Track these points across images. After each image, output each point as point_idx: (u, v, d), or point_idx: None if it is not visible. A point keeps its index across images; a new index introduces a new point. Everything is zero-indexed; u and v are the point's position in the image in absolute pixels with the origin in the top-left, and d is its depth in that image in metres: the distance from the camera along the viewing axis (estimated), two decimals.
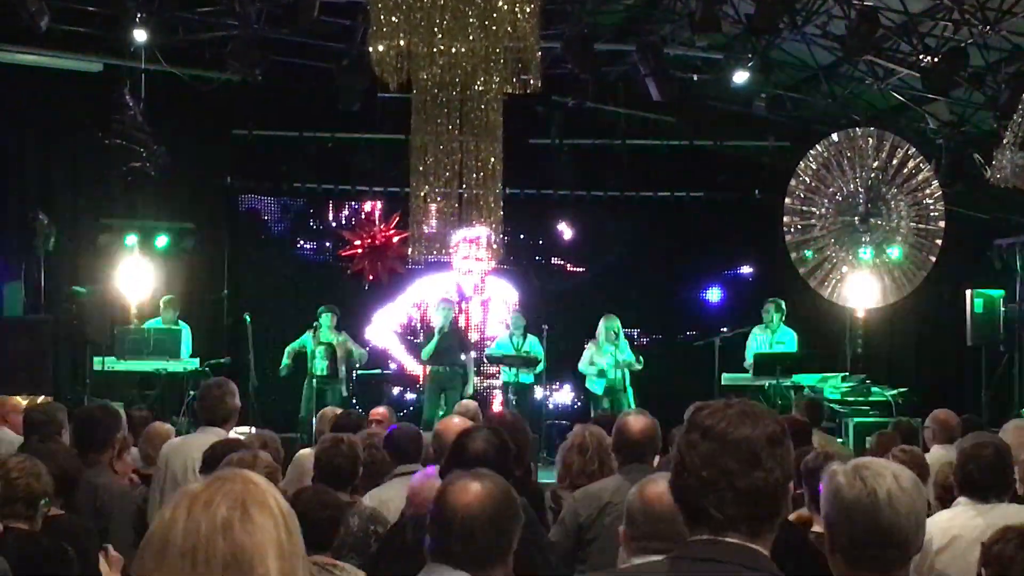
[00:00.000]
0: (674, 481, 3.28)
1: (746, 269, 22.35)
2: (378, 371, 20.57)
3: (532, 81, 12.32)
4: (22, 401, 12.24)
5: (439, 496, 4.15)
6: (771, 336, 18.58)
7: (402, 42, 11.52)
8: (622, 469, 7.18)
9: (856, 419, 16.28)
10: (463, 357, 18.49)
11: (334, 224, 21.38)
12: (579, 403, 20.65)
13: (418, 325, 21.45)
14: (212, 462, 6.92)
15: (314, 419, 17.29)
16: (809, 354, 18.42)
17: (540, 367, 18.83)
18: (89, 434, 7.77)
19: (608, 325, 18.57)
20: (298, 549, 2.59)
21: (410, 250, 13.43)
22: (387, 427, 9.44)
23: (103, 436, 7.84)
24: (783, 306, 18.78)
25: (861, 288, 18.32)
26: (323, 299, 19.19)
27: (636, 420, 7.26)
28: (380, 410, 11.46)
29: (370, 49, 11.88)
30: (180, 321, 18.32)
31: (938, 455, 9.79)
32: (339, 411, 11.13)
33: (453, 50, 11.52)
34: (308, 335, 18.51)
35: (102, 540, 6.74)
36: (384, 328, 21.53)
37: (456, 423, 6.87)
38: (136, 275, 18.95)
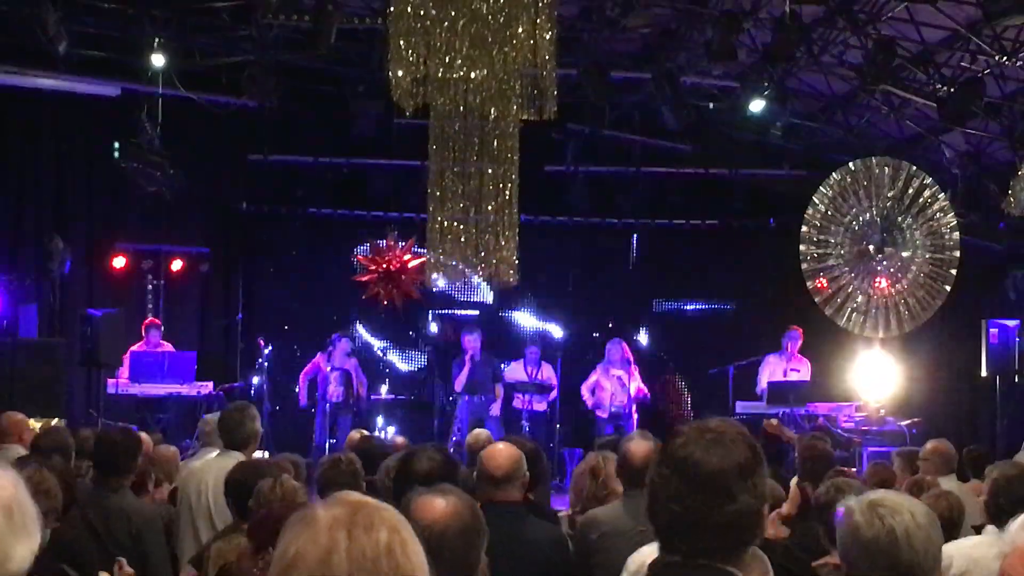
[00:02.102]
0: (649, 510, 3.26)
1: (761, 298, 22.29)
2: (392, 396, 20.58)
3: (548, 108, 12.32)
4: (35, 423, 12.29)
5: (405, 515, 4.06)
6: (786, 364, 18.54)
7: (421, 67, 11.53)
8: (626, 494, 7.13)
9: (870, 448, 16.23)
10: (497, 387, 18.51)
11: (349, 249, 21.37)
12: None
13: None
14: (236, 486, 6.90)
15: (327, 443, 17.43)
16: (823, 383, 18.41)
17: (554, 394, 18.86)
18: (112, 458, 7.72)
19: (614, 349, 18.63)
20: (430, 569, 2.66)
21: (426, 276, 13.42)
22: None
23: (125, 460, 7.80)
24: (801, 336, 18.72)
25: (876, 317, 18.28)
26: (337, 324, 19.21)
27: (639, 445, 7.09)
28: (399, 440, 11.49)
29: (389, 74, 11.89)
30: (166, 344, 18.29)
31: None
32: (365, 433, 11.11)
33: (473, 75, 11.52)
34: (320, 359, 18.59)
35: (143, 564, 6.74)
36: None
37: (501, 448, 6.82)
38: (152, 299, 18.98)
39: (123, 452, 7.78)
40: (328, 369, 18.43)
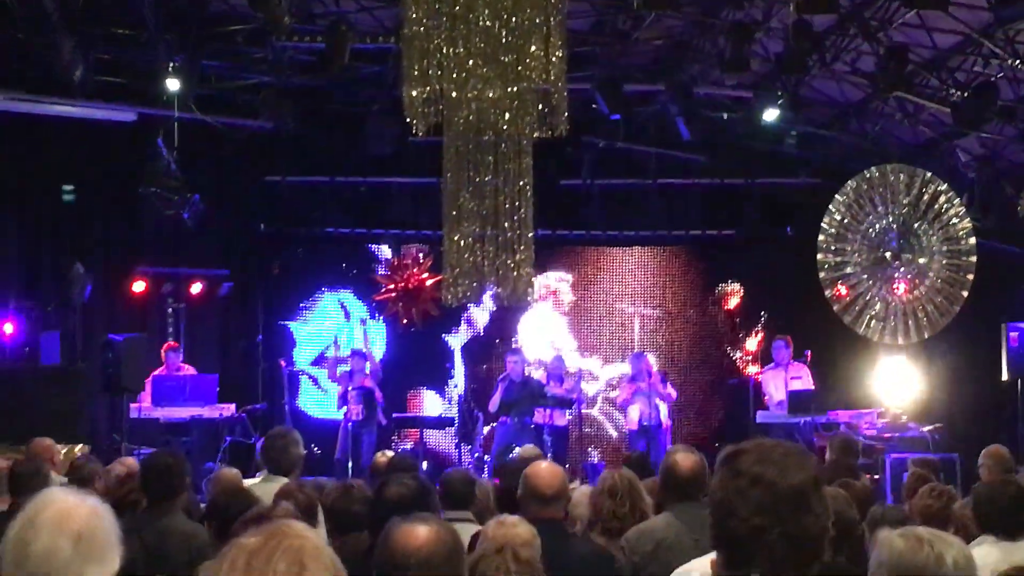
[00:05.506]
0: (719, 526, 3.26)
1: (778, 307, 22.24)
2: (413, 414, 20.59)
3: (560, 126, 12.33)
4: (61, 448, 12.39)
5: (387, 543, 4.06)
6: (784, 374, 18.43)
7: (434, 87, 11.58)
8: (673, 508, 7.12)
9: (893, 455, 16.20)
10: (536, 410, 18.50)
11: (367, 268, 21.41)
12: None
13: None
14: (217, 512, 6.99)
15: (350, 463, 17.46)
16: (844, 390, 18.39)
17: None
18: (164, 481, 7.75)
19: (637, 363, 18.65)
20: None
21: (443, 293, 13.43)
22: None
23: (177, 482, 7.84)
24: (790, 344, 18.70)
25: (895, 324, 18.27)
26: (356, 344, 19.25)
27: (686, 458, 7.15)
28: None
29: (403, 94, 11.94)
30: (187, 367, 18.36)
31: None
32: (390, 455, 11.12)
33: (491, 93, 11.56)
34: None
35: None
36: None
37: (548, 467, 6.87)
38: (172, 322, 19.06)
39: (174, 474, 7.82)
40: (348, 388, 18.45)
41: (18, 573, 3.74)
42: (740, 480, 3.21)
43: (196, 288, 19.74)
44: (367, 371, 18.66)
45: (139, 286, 19.27)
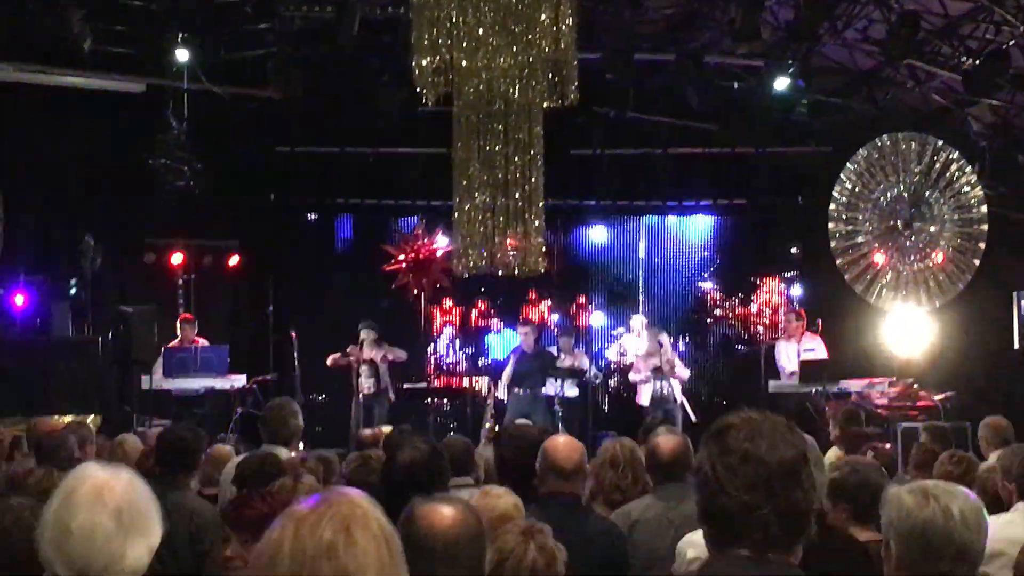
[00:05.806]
0: (708, 502, 3.24)
1: (790, 276, 22.24)
2: (424, 384, 20.60)
3: (570, 95, 12.30)
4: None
5: (411, 524, 4.05)
6: (798, 345, 18.45)
7: (446, 56, 11.57)
8: (656, 489, 7.18)
9: (904, 424, 16.16)
10: (553, 383, 18.47)
11: (377, 239, 21.38)
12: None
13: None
14: (246, 477, 6.97)
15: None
16: (856, 359, 18.37)
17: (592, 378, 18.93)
18: (179, 456, 7.77)
19: (650, 337, 18.64)
20: (398, 569, 2.68)
21: (454, 263, 13.43)
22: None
23: (191, 458, 7.85)
24: (802, 315, 18.77)
25: (906, 294, 18.23)
26: (368, 314, 19.22)
27: (667, 440, 7.22)
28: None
29: (412, 64, 11.92)
30: (201, 339, 18.35)
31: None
32: (387, 429, 11.10)
33: (501, 62, 11.54)
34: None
35: (199, 564, 6.77)
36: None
37: (567, 441, 6.81)
38: (183, 294, 19.07)
39: (190, 450, 7.85)
40: (357, 363, 18.45)
41: (59, 552, 3.73)
42: (730, 457, 3.18)
43: (206, 259, 19.74)
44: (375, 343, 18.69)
45: (149, 257, 19.26)
